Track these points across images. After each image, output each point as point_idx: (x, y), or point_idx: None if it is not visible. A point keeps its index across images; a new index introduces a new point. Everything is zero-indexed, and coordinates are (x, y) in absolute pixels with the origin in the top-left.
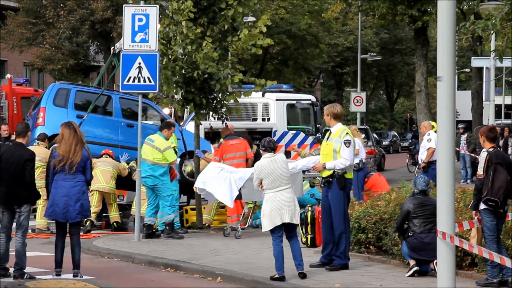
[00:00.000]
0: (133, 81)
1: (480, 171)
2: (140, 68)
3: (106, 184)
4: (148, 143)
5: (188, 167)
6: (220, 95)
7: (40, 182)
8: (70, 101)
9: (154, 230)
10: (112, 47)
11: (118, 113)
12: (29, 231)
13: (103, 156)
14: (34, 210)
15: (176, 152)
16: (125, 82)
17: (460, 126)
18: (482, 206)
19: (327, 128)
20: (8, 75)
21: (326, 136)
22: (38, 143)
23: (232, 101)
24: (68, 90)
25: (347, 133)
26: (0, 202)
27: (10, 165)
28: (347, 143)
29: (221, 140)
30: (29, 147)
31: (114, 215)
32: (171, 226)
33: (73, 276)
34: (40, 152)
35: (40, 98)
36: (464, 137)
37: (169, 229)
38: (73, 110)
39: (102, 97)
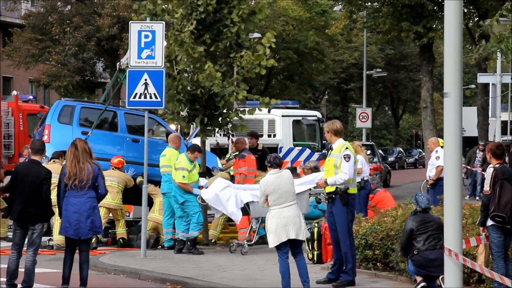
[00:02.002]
0: (139, 97)
1: (486, 187)
2: (146, 84)
3: (112, 200)
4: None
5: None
6: (224, 111)
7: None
8: (75, 118)
9: (161, 245)
10: (118, 63)
11: (123, 128)
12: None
13: (111, 168)
14: (48, 227)
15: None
16: (131, 99)
17: (481, 143)
18: (489, 222)
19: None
20: (14, 92)
21: (329, 153)
22: (54, 161)
23: (237, 118)
24: (72, 107)
25: (346, 148)
26: (13, 219)
27: (26, 183)
28: (347, 157)
29: (229, 154)
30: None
31: (121, 231)
32: (193, 242)
33: None
34: (58, 169)
35: (46, 115)
36: (480, 154)
37: (190, 244)
38: (78, 127)
39: (107, 113)
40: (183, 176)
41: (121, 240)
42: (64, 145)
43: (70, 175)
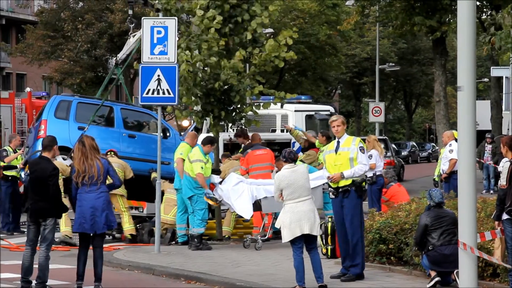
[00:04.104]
0: (152, 93)
1: (503, 181)
2: (159, 80)
3: None
4: (188, 155)
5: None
6: (239, 106)
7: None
8: (72, 113)
9: (175, 241)
10: (115, 58)
11: (119, 123)
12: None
13: (108, 154)
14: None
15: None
16: (144, 95)
17: (488, 136)
18: (504, 216)
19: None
20: (28, 89)
21: (334, 148)
22: None
23: (250, 112)
24: (69, 102)
25: (359, 141)
26: (27, 215)
27: (35, 179)
28: (362, 149)
29: (242, 149)
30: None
31: (128, 227)
32: (199, 239)
33: None
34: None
35: (42, 110)
36: (489, 147)
37: (197, 241)
38: (74, 122)
39: (104, 108)
40: (201, 168)
41: (129, 236)
42: (60, 140)
43: (78, 172)
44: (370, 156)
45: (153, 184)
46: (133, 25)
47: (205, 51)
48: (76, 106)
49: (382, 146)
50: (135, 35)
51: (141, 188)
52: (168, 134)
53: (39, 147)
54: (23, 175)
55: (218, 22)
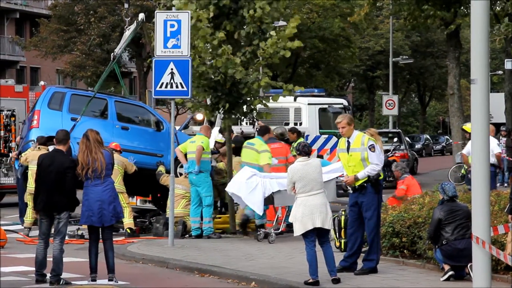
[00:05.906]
0: (166, 87)
1: None
2: (172, 74)
3: None
4: (249, 147)
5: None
6: (248, 99)
7: None
8: (65, 104)
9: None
10: (112, 53)
11: (113, 116)
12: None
13: None
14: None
15: None
16: (157, 88)
17: (503, 128)
18: None
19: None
20: (42, 82)
21: (345, 147)
22: (39, 148)
23: (261, 105)
24: (63, 94)
25: (368, 138)
26: (39, 209)
27: (50, 173)
28: (372, 147)
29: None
30: (29, 150)
31: (127, 221)
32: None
33: (108, 280)
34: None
35: (36, 101)
36: (504, 140)
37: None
38: (67, 113)
39: (98, 101)
40: (269, 157)
41: (128, 230)
42: (53, 131)
43: (82, 165)
44: None
45: (157, 178)
46: (129, 19)
47: (202, 48)
48: (70, 98)
49: (395, 139)
50: (129, 28)
51: (154, 183)
52: (161, 127)
53: (32, 137)
54: (17, 166)
55: (201, 17)
